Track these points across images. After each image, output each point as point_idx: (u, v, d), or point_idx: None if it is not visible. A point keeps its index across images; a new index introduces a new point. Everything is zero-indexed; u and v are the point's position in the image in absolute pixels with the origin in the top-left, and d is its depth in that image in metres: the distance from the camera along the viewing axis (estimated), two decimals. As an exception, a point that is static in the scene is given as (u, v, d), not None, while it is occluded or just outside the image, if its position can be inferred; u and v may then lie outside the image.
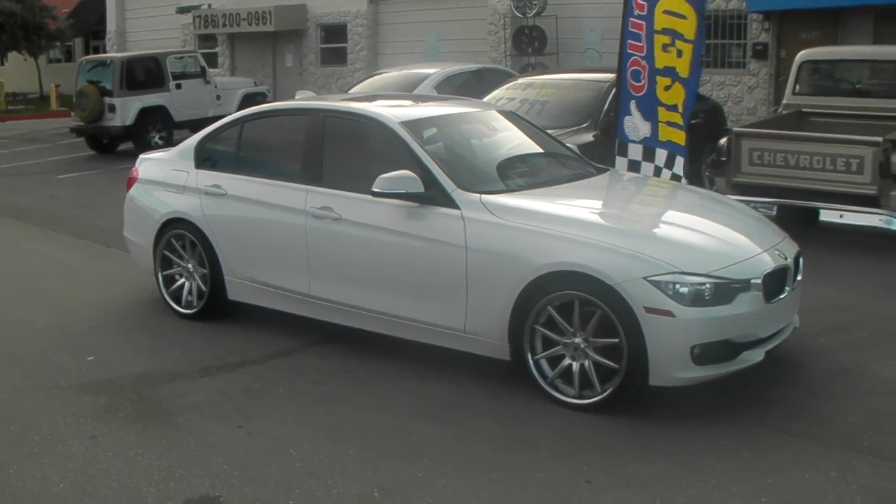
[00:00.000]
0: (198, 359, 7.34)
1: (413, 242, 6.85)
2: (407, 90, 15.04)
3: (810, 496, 5.07)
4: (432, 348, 6.94)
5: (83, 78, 21.19)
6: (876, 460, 5.47)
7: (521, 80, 13.48)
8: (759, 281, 6.11)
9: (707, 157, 13.05)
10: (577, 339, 6.21)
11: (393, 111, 7.59)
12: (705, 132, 13.38)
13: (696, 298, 5.92)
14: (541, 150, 8.16)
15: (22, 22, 36.01)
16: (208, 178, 8.16)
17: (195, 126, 21.58)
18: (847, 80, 13.66)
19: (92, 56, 26.12)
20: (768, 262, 6.32)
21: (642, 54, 9.36)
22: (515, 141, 8.16)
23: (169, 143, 20.37)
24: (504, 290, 6.40)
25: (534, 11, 22.47)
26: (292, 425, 6.06)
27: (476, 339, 6.65)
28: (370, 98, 9.09)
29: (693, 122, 10.31)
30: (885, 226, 10.27)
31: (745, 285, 6.06)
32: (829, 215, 10.50)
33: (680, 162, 9.49)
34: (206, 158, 8.34)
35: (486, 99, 12.06)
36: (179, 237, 8.31)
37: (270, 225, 7.67)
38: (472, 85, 15.48)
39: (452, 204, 6.72)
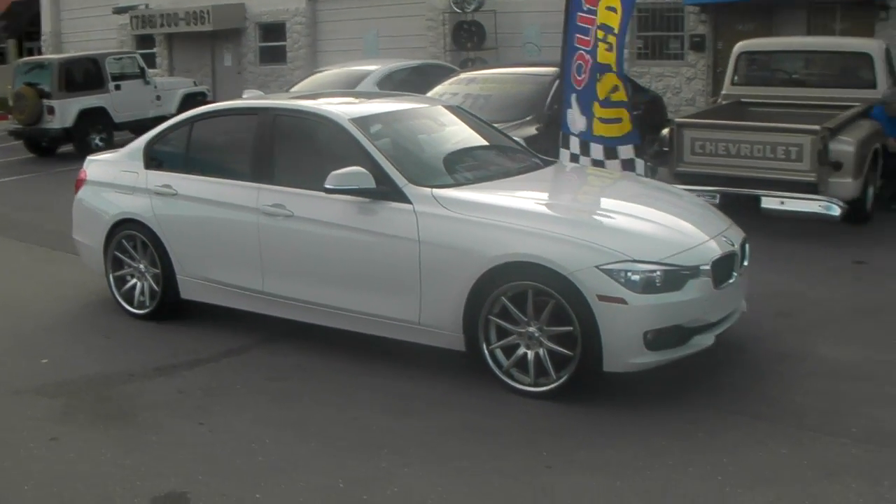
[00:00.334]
0: (153, 358, 7.35)
1: (366, 237, 6.91)
2: (349, 87, 15.08)
3: (764, 474, 5.23)
4: (387, 342, 7.02)
5: (20, 80, 20.92)
6: (823, 437, 5.66)
7: (463, 76, 13.60)
8: (708, 267, 6.26)
9: (648, 147, 13.24)
10: (531, 329, 6.32)
11: (342, 108, 7.65)
12: (647, 123, 13.58)
13: (648, 285, 6.05)
14: (488, 144, 8.27)
15: (-47, 25, 35.53)
16: (158, 178, 8.16)
17: (135, 127, 21.55)
18: (784, 70, 13.95)
19: (29, 58, 25.77)
20: (716, 249, 6.46)
21: (588, 48, 9.52)
22: (463, 135, 8.26)
23: (109, 144, 20.25)
24: (457, 282, 6.49)
25: (472, 7, 22.59)
26: (253, 421, 6.11)
27: (430, 330, 6.74)
28: (318, 96, 9.12)
29: (634, 113, 10.47)
30: (824, 211, 10.48)
31: (695, 272, 6.20)
32: (770, 202, 10.66)
33: (625, 149, 9.63)
34: (155, 159, 8.33)
35: (429, 94, 12.15)
36: (130, 238, 8.30)
37: (222, 223, 7.69)
38: (413, 81, 15.56)
39: (404, 199, 6.80)
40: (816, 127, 10.47)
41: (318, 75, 16.93)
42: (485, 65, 20.24)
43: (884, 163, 11.85)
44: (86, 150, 19.84)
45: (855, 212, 10.86)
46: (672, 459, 5.42)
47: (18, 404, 6.55)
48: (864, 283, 8.99)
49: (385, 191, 6.85)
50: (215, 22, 26.77)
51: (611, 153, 9.66)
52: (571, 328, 6.14)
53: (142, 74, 22.14)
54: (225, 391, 6.66)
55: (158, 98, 22.33)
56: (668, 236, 6.55)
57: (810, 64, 14.11)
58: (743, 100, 13.31)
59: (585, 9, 9.51)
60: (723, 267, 6.44)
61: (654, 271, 6.07)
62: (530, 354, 6.37)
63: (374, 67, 16.25)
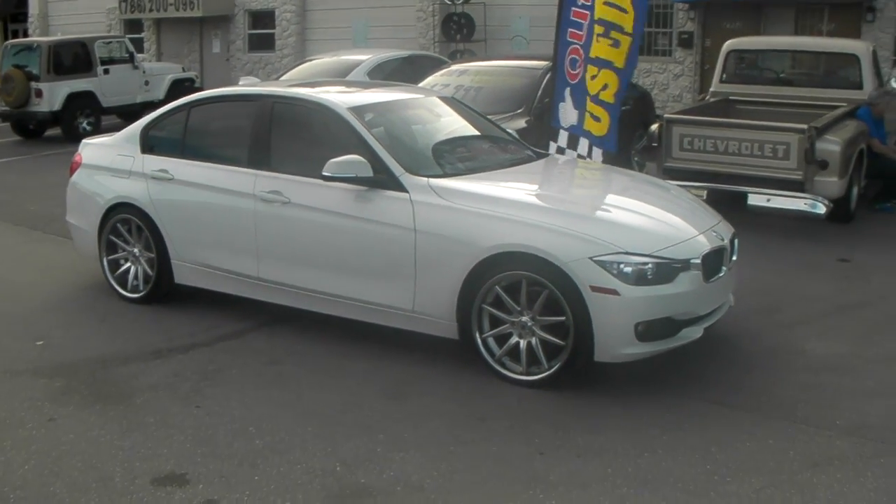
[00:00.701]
0: (148, 342, 7.42)
1: (362, 225, 6.99)
2: (339, 76, 15.13)
3: (751, 463, 5.35)
4: (381, 329, 7.11)
5: (8, 62, 20.90)
6: (810, 429, 5.79)
7: (455, 67, 13.68)
8: (698, 261, 6.37)
9: (637, 142, 13.39)
10: (524, 318, 6.42)
11: (341, 97, 7.73)
12: (635, 119, 13.75)
13: (640, 278, 6.16)
14: (483, 136, 8.37)
15: (-61, 5, 35.37)
16: (155, 162, 8.21)
17: (123, 112, 21.60)
18: (772, 69, 14.12)
19: (17, 40, 25.68)
20: (706, 243, 6.57)
21: (581, 43, 9.60)
22: (458, 126, 8.35)
23: (97, 128, 20.28)
24: (452, 270, 6.58)
25: (462, -1, 22.69)
26: (250, 404, 6.19)
27: (424, 318, 6.83)
28: (316, 84, 9.19)
29: (623, 108, 10.58)
30: (810, 210, 10.64)
31: (686, 265, 6.31)
32: (756, 199, 10.81)
33: (597, 153, 9.75)
34: (151, 143, 8.38)
35: (420, 85, 12.22)
36: (125, 222, 8.36)
37: (219, 209, 7.76)
38: (403, 71, 15.63)
39: (401, 187, 6.89)
40: (804, 126, 10.61)
41: (309, 64, 16.97)
42: (474, 56, 20.29)
43: (868, 163, 12.01)
44: (73, 133, 20.06)
45: (840, 210, 11.03)
46: (661, 448, 5.54)
47: (16, 385, 6.61)
48: (848, 281, 9.12)
49: (382, 179, 6.93)
50: (204, 8, 26.75)
51: (590, 151, 9.79)
52: (564, 318, 6.25)
53: (130, 59, 22.12)
54: (220, 375, 6.73)
55: (147, 83, 22.32)
56: (660, 230, 6.65)
57: (798, 63, 14.29)
58: (731, 97, 13.46)
59: (580, 4, 9.60)
60: (713, 261, 6.55)
61: (647, 264, 6.18)
62: (523, 343, 6.47)
63: (364, 57, 16.29)
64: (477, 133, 8.38)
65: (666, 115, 11.81)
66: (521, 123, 11.23)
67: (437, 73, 13.34)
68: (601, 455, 5.46)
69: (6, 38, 34.95)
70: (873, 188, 12.41)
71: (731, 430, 5.78)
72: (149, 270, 8.28)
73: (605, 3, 9.41)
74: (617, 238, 6.27)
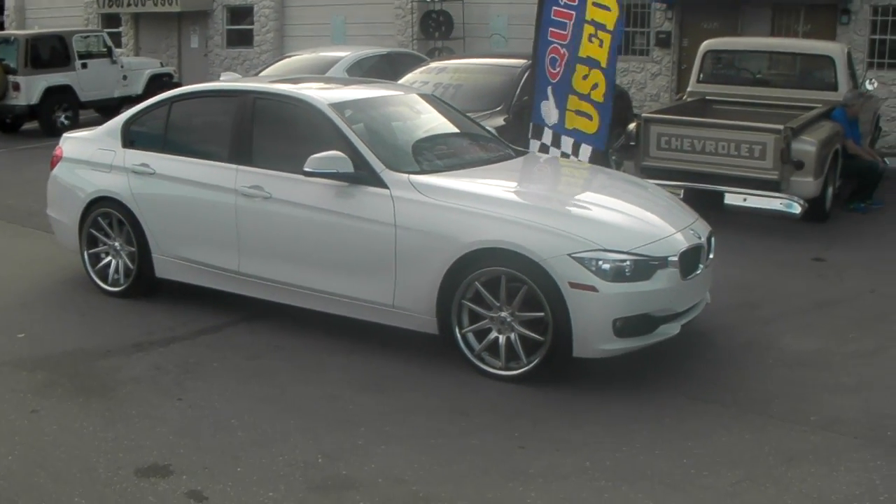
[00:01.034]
0: (129, 335, 7.45)
1: (343, 221, 7.04)
2: (319, 73, 15.14)
3: (727, 457, 5.44)
4: (361, 323, 7.16)
5: (-15, 56, 20.80)
6: (785, 424, 5.88)
7: (434, 64, 13.73)
8: (676, 258, 6.45)
9: (614, 141, 13.46)
10: (503, 314, 6.49)
11: (322, 93, 7.77)
12: (613, 117, 13.77)
13: (618, 274, 6.23)
14: (463, 133, 8.42)
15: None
16: (136, 157, 8.23)
17: (101, 106, 21.52)
18: (748, 69, 14.25)
19: (-6, 33, 25.56)
20: (684, 241, 6.66)
21: (564, 42, 9.66)
22: (438, 123, 8.43)
23: (75, 123, 20.19)
24: (432, 266, 6.65)
25: (441, -4, 22.73)
26: (231, 398, 6.24)
27: (405, 313, 6.89)
28: (298, 80, 9.23)
29: (611, 108, 10.65)
30: (785, 209, 10.76)
31: (664, 262, 6.40)
32: (733, 198, 10.92)
33: (586, 150, 9.82)
34: (133, 138, 8.40)
35: (400, 82, 12.26)
36: (106, 216, 8.37)
37: (200, 203, 7.79)
38: (382, 68, 15.65)
39: (381, 183, 6.94)
40: (780, 126, 10.73)
41: (288, 60, 16.94)
42: (452, 54, 20.36)
43: (843, 163, 12.14)
44: (50, 127, 19.98)
45: (815, 210, 11.16)
46: (640, 442, 5.61)
47: (-4, 377, 6.64)
48: (822, 279, 9.24)
49: (363, 175, 6.98)
50: (183, 3, 26.64)
51: (577, 149, 9.85)
52: (543, 314, 6.32)
53: (109, 54, 22.01)
54: (202, 368, 6.77)
55: (125, 78, 22.22)
56: (638, 227, 6.74)
57: (774, 64, 14.42)
58: (708, 97, 13.57)
59: (563, 4, 9.66)
60: (690, 259, 6.64)
61: (625, 261, 6.25)
62: (502, 339, 6.54)
63: (343, 54, 16.30)
64: (457, 130, 8.44)
65: (644, 115, 11.91)
66: (500, 121, 11.30)
67: (416, 71, 13.38)
68: (580, 449, 5.53)
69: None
70: (848, 188, 12.54)
71: (707, 425, 5.87)
72: (130, 264, 8.30)
73: (594, 4, 9.47)
74: (595, 235, 6.34)
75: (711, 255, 7.10)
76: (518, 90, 11.99)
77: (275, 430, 5.73)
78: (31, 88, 20.13)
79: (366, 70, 15.66)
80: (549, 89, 9.91)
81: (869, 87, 14.08)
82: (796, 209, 10.71)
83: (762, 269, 9.52)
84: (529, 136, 10.13)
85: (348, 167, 6.94)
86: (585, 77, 9.66)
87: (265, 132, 7.71)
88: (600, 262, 6.21)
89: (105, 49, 22.04)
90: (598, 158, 9.87)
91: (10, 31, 25.93)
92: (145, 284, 8.29)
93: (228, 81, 10.14)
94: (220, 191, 7.63)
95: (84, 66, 21.23)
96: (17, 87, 20.04)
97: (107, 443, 5.56)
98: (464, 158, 7.81)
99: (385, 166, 7.01)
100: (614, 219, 6.80)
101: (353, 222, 7.00)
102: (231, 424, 5.82)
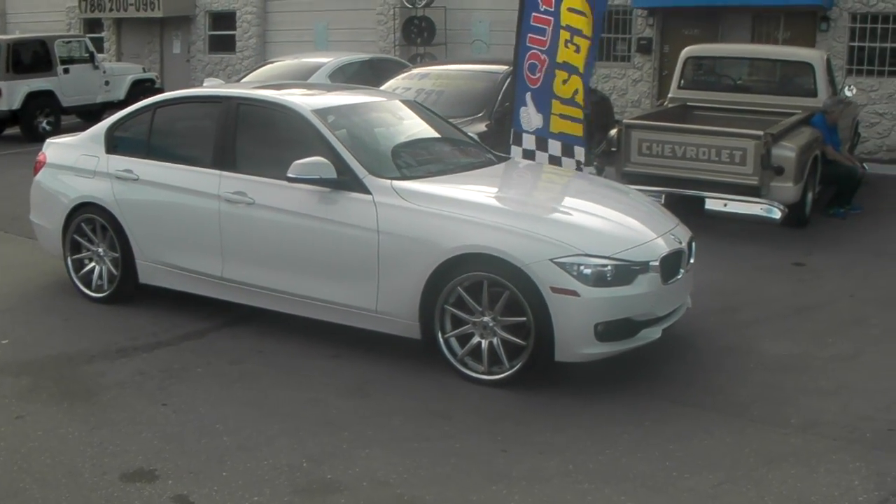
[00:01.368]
0: (113, 340, 7.46)
1: (326, 226, 7.08)
2: (301, 79, 15.17)
3: (708, 459, 5.50)
4: (344, 328, 7.20)
5: (-34, 61, 20.72)
6: (765, 427, 5.95)
7: (416, 71, 13.77)
8: (657, 263, 6.51)
9: (596, 147, 13.53)
10: (485, 318, 6.54)
11: (305, 99, 7.81)
12: (594, 123, 13.84)
13: (599, 279, 6.29)
14: (445, 139, 8.48)
15: None
16: (119, 162, 8.25)
17: (83, 112, 21.48)
18: (729, 76, 14.34)
19: (-26, 39, 25.46)
20: (664, 246, 6.72)
21: (543, 48, 9.71)
22: (421, 129, 8.47)
23: (57, 128, 20.14)
24: (415, 271, 6.69)
25: (423, 2, 22.74)
26: (215, 402, 6.26)
27: (387, 318, 6.93)
28: (281, 86, 9.27)
29: (587, 111, 10.68)
30: (765, 214, 10.85)
31: (645, 267, 6.45)
32: (713, 204, 11.00)
33: (580, 150, 9.88)
34: (116, 143, 8.41)
35: (382, 88, 12.31)
36: (90, 221, 8.38)
37: (184, 209, 7.81)
38: (364, 74, 15.71)
39: (364, 189, 6.98)
40: (760, 132, 10.82)
41: (270, 66, 16.98)
42: (434, 60, 20.40)
43: (822, 169, 12.23)
44: (32, 133, 19.93)
45: (795, 215, 11.24)
46: (622, 445, 5.67)
47: (-19, 382, 6.64)
48: (802, 284, 9.32)
49: (346, 181, 7.02)
50: (165, 8, 26.63)
51: (568, 150, 9.88)
52: (525, 319, 6.37)
53: (91, 59, 21.95)
54: (186, 373, 6.80)
55: (107, 83, 22.17)
56: (619, 232, 6.80)
57: (755, 71, 14.53)
58: (689, 103, 13.65)
59: (542, 9, 9.71)
60: (671, 263, 6.70)
61: (606, 265, 6.31)
62: (484, 343, 6.58)
63: (326, 60, 16.34)
64: (439, 136, 8.49)
65: (625, 121, 11.98)
66: (482, 127, 11.33)
67: (398, 77, 13.42)
68: (562, 452, 5.58)
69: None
70: (827, 194, 12.63)
71: (689, 428, 5.93)
72: (113, 270, 8.31)
73: (569, 10, 9.53)
74: (577, 240, 6.40)
75: (692, 260, 7.16)
76: (500, 96, 12.03)
77: (259, 435, 5.76)
78: (12, 93, 20.05)
79: (348, 76, 15.71)
80: (528, 95, 9.94)
81: (848, 93, 14.22)
82: (776, 214, 10.80)
83: (743, 273, 9.60)
84: (511, 142, 10.18)
85: (331, 173, 6.98)
86: (565, 82, 9.71)
87: (248, 138, 7.74)
88: (582, 267, 6.26)
89: (87, 54, 21.99)
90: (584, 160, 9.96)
91: (-9, 37, 25.82)
92: (129, 290, 8.30)
93: (212, 87, 10.16)
94: (203, 196, 7.65)
95: (66, 71, 21.17)
96: (-2, 92, 19.99)
97: (92, 448, 5.58)
98: (446, 164, 7.86)
99: (368, 172, 7.05)
100: (595, 224, 6.86)
101: (336, 228, 7.03)
102: (216, 429, 5.85)
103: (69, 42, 22.12)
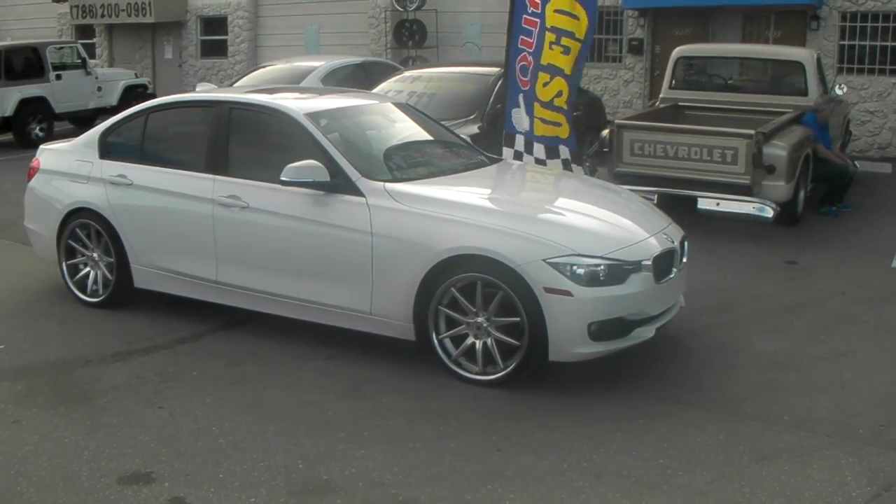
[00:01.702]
0: (108, 344, 7.49)
1: (320, 229, 7.11)
2: (293, 82, 15.19)
3: (702, 457, 5.54)
4: (339, 330, 7.22)
5: (-42, 67, 20.72)
6: (758, 424, 5.99)
7: (408, 73, 13.82)
8: (649, 262, 6.55)
9: (588, 148, 13.57)
10: (479, 319, 6.57)
11: (297, 103, 7.84)
12: (586, 124, 13.93)
13: (592, 279, 6.32)
14: (438, 141, 8.51)
15: None
16: (113, 168, 8.27)
17: (76, 118, 21.49)
18: (720, 75, 14.39)
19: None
20: (657, 246, 6.76)
21: (531, 50, 9.76)
22: (413, 132, 8.50)
23: (49, 134, 20.14)
24: (409, 273, 6.72)
25: (414, 5, 22.77)
26: (211, 405, 6.29)
27: (382, 320, 6.96)
28: (273, 90, 9.30)
29: (574, 114, 10.69)
30: (758, 213, 10.88)
31: (637, 266, 6.49)
32: (706, 203, 11.03)
33: (565, 150, 9.92)
34: (110, 149, 8.43)
35: (374, 91, 12.34)
36: (84, 227, 8.40)
37: (177, 213, 7.83)
38: (356, 77, 15.71)
39: (357, 192, 7.01)
40: (751, 131, 10.85)
41: (262, 70, 16.98)
42: (426, 63, 20.44)
43: (814, 168, 12.28)
44: (25, 139, 19.95)
45: (787, 214, 11.28)
46: (616, 443, 5.71)
47: (-24, 387, 6.66)
48: (794, 282, 9.36)
49: (339, 184, 7.05)
50: (156, 14, 26.65)
51: (552, 152, 9.94)
52: (518, 319, 6.40)
53: (83, 65, 21.95)
54: (181, 377, 6.82)
55: (99, 89, 22.16)
56: (611, 232, 6.83)
57: (745, 70, 14.58)
58: (680, 103, 13.69)
59: (530, 11, 9.75)
60: (663, 263, 6.73)
61: (599, 265, 6.34)
62: (478, 344, 6.62)
63: (318, 63, 16.34)
64: (431, 138, 8.52)
65: (617, 121, 12.02)
66: (474, 129, 11.38)
67: (390, 80, 13.46)
68: (557, 451, 5.62)
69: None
70: (819, 192, 12.68)
71: (682, 426, 5.97)
72: (108, 275, 8.33)
73: (556, 11, 9.57)
74: (569, 240, 6.43)
75: (685, 259, 7.20)
76: (492, 98, 12.08)
77: (255, 437, 5.79)
78: (5, 100, 20.04)
79: (340, 79, 15.72)
80: (521, 97, 9.99)
81: (839, 91, 14.29)
82: (768, 213, 10.84)
83: (735, 272, 9.64)
84: (503, 143, 10.22)
85: (324, 176, 7.01)
86: (546, 85, 9.74)
87: (242, 142, 7.77)
88: (575, 267, 6.30)
89: (79, 60, 21.98)
90: (573, 160, 10.00)
91: (-17, 43, 25.81)
92: (124, 294, 8.32)
93: (204, 92, 10.19)
94: (197, 201, 7.68)
95: (58, 77, 21.16)
96: (-10, 98, 19.99)
97: (88, 451, 5.61)
98: (438, 166, 7.89)
99: (361, 175, 7.08)
100: (588, 224, 6.90)
101: (329, 230, 7.06)
102: (212, 431, 5.88)
103: (61, 48, 22.12)
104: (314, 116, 7.54)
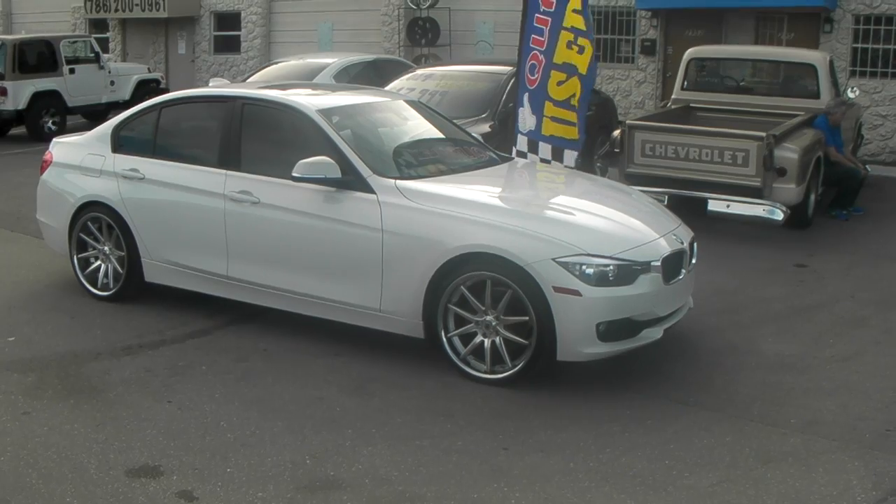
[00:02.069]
0: (118, 338, 7.52)
1: (330, 225, 7.13)
2: (306, 79, 15.24)
3: (707, 458, 5.55)
4: (346, 326, 7.25)
5: (-28, 60, 20.79)
6: (765, 426, 5.99)
7: (420, 71, 13.84)
8: (658, 263, 6.56)
9: (599, 148, 13.59)
10: (488, 317, 6.58)
11: (310, 99, 7.87)
12: (597, 124, 13.94)
13: (601, 279, 6.33)
14: (449, 139, 8.53)
15: None
16: (126, 161, 8.31)
17: (89, 112, 21.54)
18: (732, 77, 14.38)
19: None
20: (666, 246, 6.76)
21: (542, 49, 9.75)
22: (425, 129, 8.52)
23: (62, 128, 20.21)
24: (418, 271, 6.74)
25: (428, 3, 22.78)
26: (220, 400, 6.32)
27: (391, 317, 6.98)
28: (286, 86, 9.33)
29: (586, 114, 10.66)
30: (768, 216, 10.88)
31: (646, 267, 6.50)
32: (716, 205, 11.04)
33: (570, 155, 9.89)
34: (122, 143, 8.47)
35: (387, 89, 12.36)
36: (96, 220, 8.44)
37: (189, 208, 7.86)
38: (368, 75, 15.77)
39: (368, 189, 7.03)
40: (762, 134, 10.85)
41: (275, 66, 17.04)
42: (438, 61, 20.46)
43: (825, 171, 12.27)
44: (38, 133, 20.00)
45: (797, 217, 11.28)
46: (622, 444, 5.72)
47: (-12, 379, 6.70)
48: (804, 285, 9.35)
49: (350, 181, 7.08)
50: (170, 9, 26.72)
51: (558, 154, 9.91)
52: (527, 318, 6.42)
53: (96, 59, 22.01)
54: (190, 371, 6.85)
55: (112, 83, 22.22)
56: (621, 232, 6.84)
57: (757, 72, 14.58)
58: (692, 105, 13.69)
59: (542, 10, 9.75)
60: (672, 264, 6.74)
61: (608, 265, 6.36)
62: (487, 343, 6.63)
63: (330, 60, 16.39)
64: (443, 136, 8.54)
65: (628, 122, 12.02)
66: (486, 128, 11.40)
67: (402, 77, 13.49)
68: (563, 450, 5.63)
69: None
70: (829, 196, 12.68)
71: (689, 427, 5.98)
72: (119, 268, 8.37)
73: (574, 11, 9.56)
74: (579, 240, 6.44)
75: (694, 260, 7.20)
76: (504, 97, 12.11)
77: (263, 432, 5.82)
78: (18, 93, 20.12)
79: (352, 76, 15.77)
80: (526, 96, 9.97)
81: (851, 95, 14.26)
82: (779, 216, 10.84)
83: (744, 274, 9.64)
84: (513, 142, 10.22)
85: (336, 172, 7.03)
86: (561, 83, 9.71)
87: (254, 138, 7.80)
88: (584, 267, 6.31)
89: (92, 54, 22.05)
90: (584, 165, 9.98)
91: (-3, 36, 25.90)
92: (134, 288, 8.36)
93: (217, 87, 10.22)
94: (209, 196, 7.71)
95: (72, 71, 21.23)
96: (4, 91, 20.02)
97: (97, 444, 5.64)
98: (450, 164, 7.91)
99: (372, 172, 7.10)
100: (598, 224, 6.91)
101: (340, 227, 7.09)
102: (220, 426, 5.91)
103: (75, 42, 22.20)
104: (326, 113, 7.57)
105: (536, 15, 9.82)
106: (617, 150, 11.81)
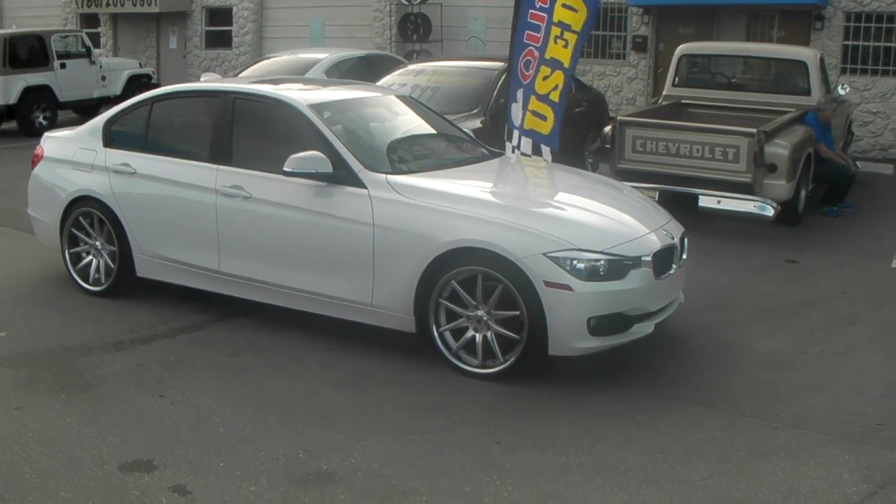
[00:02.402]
0: (110, 333, 7.52)
1: (322, 220, 7.14)
2: (297, 74, 15.21)
3: (700, 453, 5.57)
4: (339, 321, 7.26)
5: (-38, 55, 20.73)
6: (756, 421, 6.02)
7: (412, 67, 13.84)
8: (649, 258, 6.58)
9: (591, 144, 13.62)
10: (479, 312, 6.60)
11: (301, 94, 7.86)
12: (589, 120, 13.97)
13: (592, 273, 6.35)
14: (440, 134, 8.54)
15: None
16: (117, 156, 8.30)
17: (80, 106, 21.50)
18: (723, 74, 14.42)
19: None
20: (657, 241, 6.78)
21: (537, 45, 9.77)
22: (416, 124, 8.54)
23: (53, 123, 20.17)
24: (410, 265, 6.75)
25: (419, -1, 22.84)
26: (212, 394, 6.32)
27: (382, 312, 6.99)
28: (277, 81, 9.33)
29: (577, 110, 10.71)
30: (758, 212, 10.91)
31: (637, 262, 6.52)
32: (707, 201, 11.06)
33: (546, 151, 9.92)
34: (114, 137, 8.46)
35: (378, 84, 12.36)
36: (87, 215, 8.43)
37: (181, 203, 7.86)
38: (360, 70, 15.74)
39: (360, 183, 7.04)
40: (753, 130, 10.87)
41: (267, 62, 17.00)
42: (430, 57, 20.45)
43: (815, 167, 12.30)
44: (29, 127, 19.96)
45: (788, 213, 11.31)
46: (614, 438, 5.74)
47: (-21, 374, 6.70)
48: (794, 281, 9.39)
49: (341, 175, 7.08)
50: (162, 4, 26.65)
51: (537, 149, 9.96)
52: (518, 312, 6.43)
53: (87, 54, 21.95)
54: (183, 366, 6.85)
55: (104, 78, 22.19)
56: (612, 227, 6.86)
57: (749, 69, 14.61)
58: (683, 101, 13.71)
59: (538, 6, 9.77)
60: (663, 259, 6.76)
61: (599, 260, 6.37)
62: (478, 337, 6.65)
63: (322, 56, 16.37)
64: (434, 132, 8.55)
65: (619, 118, 12.02)
66: (477, 123, 11.41)
67: (394, 73, 13.49)
68: (555, 445, 5.65)
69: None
70: (820, 192, 12.71)
71: (680, 422, 6.00)
72: (111, 263, 8.36)
73: (563, 6, 9.59)
74: (570, 235, 6.46)
75: (684, 256, 7.22)
76: (495, 92, 12.11)
77: (256, 426, 5.83)
78: (9, 88, 20.05)
79: (344, 72, 15.75)
80: (519, 92, 10.00)
81: (841, 92, 14.30)
82: (769, 212, 10.86)
83: (735, 270, 9.67)
84: (505, 138, 10.24)
85: (327, 167, 7.04)
86: (546, 78, 9.77)
87: (245, 132, 7.80)
88: (575, 262, 6.33)
89: (84, 49, 21.99)
90: (575, 160, 9.98)
91: (-13, 31, 25.82)
92: (126, 283, 8.35)
93: (209, 82, 10.22)
94: (200, 190, 7.71)
95: (63, 66, 21.17)
96: (-6, 86, 20.00)
97: (90, 438, 5.64)
98: (441, 159, 7.93)
99: (363, 166, 7.11)
100: (589, 219, 6.92)
101: (331, 222, 7.09)
102: (213, 420, 5.91)
103: (66, 37, 22.13)
104: (318, 108, 7.57)
105: (531, 11, 9.84)
106: (608, 146, 11.82)
